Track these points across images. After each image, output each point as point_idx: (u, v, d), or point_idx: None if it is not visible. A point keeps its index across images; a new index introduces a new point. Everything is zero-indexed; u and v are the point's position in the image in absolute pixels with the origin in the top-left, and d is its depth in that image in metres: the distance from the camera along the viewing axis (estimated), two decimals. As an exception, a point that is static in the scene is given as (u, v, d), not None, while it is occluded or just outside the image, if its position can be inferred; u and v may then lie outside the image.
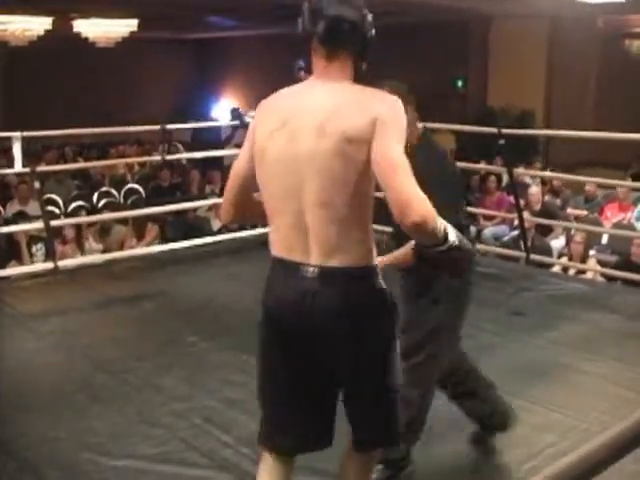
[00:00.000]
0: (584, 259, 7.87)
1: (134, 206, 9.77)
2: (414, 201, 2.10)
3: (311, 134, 2.25)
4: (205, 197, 10.27)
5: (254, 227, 8.68)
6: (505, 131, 6.83)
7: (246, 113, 6.34)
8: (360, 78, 2.39)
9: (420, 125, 3.26)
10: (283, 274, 2.36)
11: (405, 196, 2.11)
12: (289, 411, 2.47)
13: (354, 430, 2.49)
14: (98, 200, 11.07)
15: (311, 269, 2.29)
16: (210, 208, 9.50)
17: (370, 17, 2.39)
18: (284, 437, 2.48)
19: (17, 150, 6.48)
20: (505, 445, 3.77)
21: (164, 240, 8.30)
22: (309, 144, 2.25)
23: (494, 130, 6.90)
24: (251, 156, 2.40)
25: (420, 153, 2.83)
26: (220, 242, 7.53)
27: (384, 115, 2.23)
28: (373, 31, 2.40)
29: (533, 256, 7.00)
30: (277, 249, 2.38)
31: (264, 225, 2.55)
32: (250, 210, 2.54)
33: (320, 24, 2.34)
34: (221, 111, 20.22)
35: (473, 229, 9.84)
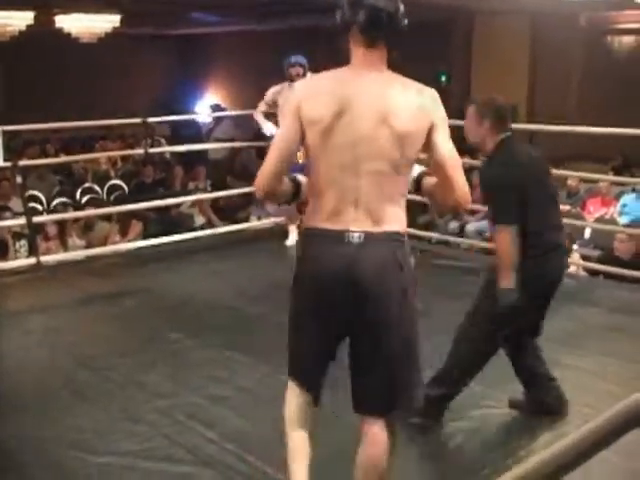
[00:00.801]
0: (568, 253, 7.90)
1: (117, 202, 9.73)
2: (467, 193, 2.64)
3: (373, 120, 2.54)
4: (189, 193, 10.23)
5: (236, 222, 8.70)
6: (488, 126, 6.82)
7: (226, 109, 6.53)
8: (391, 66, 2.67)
9: (502, 135, 3.66)
10: (325, 242, 2.61)
11: (462, 183, 2.61)
12: (315, 357, 2.75)
13: (375, 394, 2.68)
14: (81, 196, 11.02)
15: (357, 234, 2.56)
16: (193, 204, 9.47)
17: (402, 8, 2.65)
18: (314, 376, 2.78)
19: (-2, 145, 6.43)
20: (487, 442, 3.78)
21: (147, 236, 8.27)
22: (371, 129, 2.54)
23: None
24: (297, 130, 2.60)
25: (490, 163, 3.64)
26: (203, 238, 7.51)
27: (438, 118, 2.63)
28: (406, 21, 2.67)
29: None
30: (318, 220, 2.62)
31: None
32: (281, 184, 2.70)
33: (360, 14, 2.57)
34: (204, 107, 20.19)
35: (456, 224, 9.89)
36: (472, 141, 3.77)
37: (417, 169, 2.79)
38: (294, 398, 2.81)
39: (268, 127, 6.84)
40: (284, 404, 2.84)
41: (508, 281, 3.59)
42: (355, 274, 2.54)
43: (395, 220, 2.63)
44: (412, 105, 2.58)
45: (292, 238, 7.11)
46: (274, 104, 6.70)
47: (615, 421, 1.51)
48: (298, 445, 2.80)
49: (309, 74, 6.83)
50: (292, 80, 6.48)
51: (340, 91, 2.58)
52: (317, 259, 2.62)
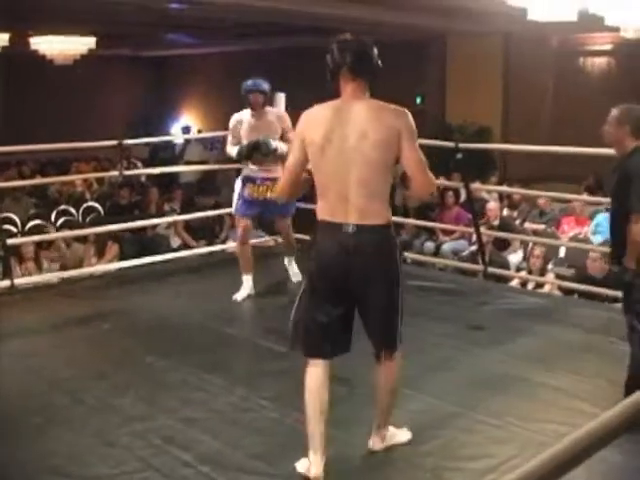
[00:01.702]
0: (542, 273, 7.97)
1: (93, 224, 9.70)
2: (429, 182, 3.52)
3: (356, 137, 3.36)
4: (164, 215, 10.22)
5: (211, 244, 8.69)
6: (462, 145, 6.90)
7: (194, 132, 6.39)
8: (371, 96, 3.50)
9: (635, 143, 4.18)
10: (329, 231, 3.45)
11: (421, 179, 3.48)
12: (331, 325, 3.50)
13: (376, 341, 3.61)
14: (57, 218, 10.98)
15: (350, 227, 3.38)
16: (169, 225, 9.46)
17: (376, 51, 3.53)
18: (325, 344, 3.53)
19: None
20: (463, 458, 3.79)
21: (123, 258, 8.25)
22: (355, 143, 3.36)
23: (451, 145, 6.96)
24: (303, 153, 3.47)
25: (628, 161, 4.14)
26: (179, 260, 7.50)
27: (405, 129, 3.42)
28: (379, 61, 3.54)
29: (491, 270, 7.05)
30: (324, 214, 3.46)
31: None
32: (299, 186, 3.65)
33: (348, 57, 3.43)
34: (180, 129, 20.19)
35: (431, 244, 9.94)
36: (609, 142, 4.31)
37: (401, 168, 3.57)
38: (313, 372, 3.54)
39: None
40: (306, 376, 3.55)
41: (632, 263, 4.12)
42: (350, 255, 3.39)
43: (379, 214, 3.43)
44: (385, 121, 3.40)
45: (244, 291, 6.26)
46: (238, 134, 6.16)
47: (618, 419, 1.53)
48: (317, 411, 3.51)
49: (279, 97, 6.72)
50: (252, 107, 6.10)
51: (332, 118, 3.40)
52: (324, 244, 3.49)
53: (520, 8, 7.02)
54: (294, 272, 6.62)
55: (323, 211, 3.48)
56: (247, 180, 6.24)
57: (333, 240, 3.43)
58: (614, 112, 4.25)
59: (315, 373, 3.54)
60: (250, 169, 6.22)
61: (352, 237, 3.38)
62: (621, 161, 4.24)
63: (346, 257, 3.41)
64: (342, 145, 3.36)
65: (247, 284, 6.25)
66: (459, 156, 6.78)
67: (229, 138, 6.32)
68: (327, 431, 3.53)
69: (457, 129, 12.93)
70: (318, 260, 3.51)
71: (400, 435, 3.89)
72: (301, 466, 3.58)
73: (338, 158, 3.38)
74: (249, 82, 6.12)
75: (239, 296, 6.18)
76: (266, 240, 8.21)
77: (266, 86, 6.14)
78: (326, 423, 3.52)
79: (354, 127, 3.36)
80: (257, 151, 6.04)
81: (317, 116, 3.47)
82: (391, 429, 3.85)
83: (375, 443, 3.79)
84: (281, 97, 7.80)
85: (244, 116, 6.18)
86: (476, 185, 8.57)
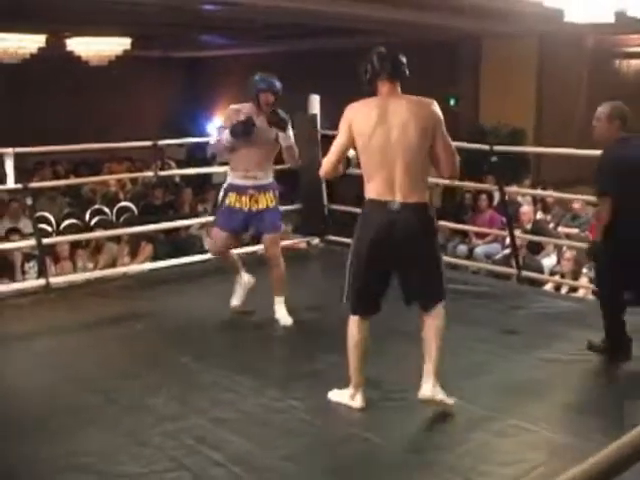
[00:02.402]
0: (576, 277, 7.89)
1: (126, 224, 9.75)
2: (456, 163, 4.14)
3: (400, 127, 3.96)
4: (197, 216, 10.26)
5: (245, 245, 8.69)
6: (497, 148, 6.85)
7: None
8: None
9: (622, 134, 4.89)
10: (377, 208, 4.00)
11: (452, 160, 4.11)
12: (372, 289, 4.14)
13: (425, 297, 4.18)
14: (90, 218, 11.07)
15: (396, 204, 3.96)
16: (202, 226, 9.48)
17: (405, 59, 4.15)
18: (369, 303, 4.18)
19: (9, 167, 6.46)
20: (495, 462, 3.77)
21: (156, 258, 8.28)
22: (399, 133, 3.96)
23: (486, 147, 6.92)
24: (349, 138, 4.07)
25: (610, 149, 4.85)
26: (212, 261, 7.51)
27: (437, 120, 4.05)
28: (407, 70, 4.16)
29: (525, 273, 7.00)
30: (373, 194, 4.01)
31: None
32: (340, 167, 4.23)
33: (387, 66, 4.07)
34: (214, 129, 20.25)
35: (464, 247, 9.89)
36: (599, 136, 4.97)
37: None
38: (356, 327, 4.18)
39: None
40: (348, 332, 4.19)
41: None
42: (396, 229, 3.96)
43: (419, 194, 4.02)
44: (422, 112, 4.03)
45: (240, 290, 5.90)
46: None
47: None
48: (362, 355, 4.22)
49: (314, 99, 6.47)
50: (259, 106, 5.54)
51: (378, 111, 3.99)
52: (372, 219, 4.03)
53: (556, 9, 6.95)
54: (283, 314, 5.64)
55: (371, 192, 4.02)
56: (231, 188, 5.63)
57: (382, 215, 3.99)
58: (604, 109, 4.94)
59: (361, 326, 4.18)
60: (235, 175, 5.60)
61: (398, 213, 3.96)
62: (602, 151, 4.92)
63: (393, 230, 3.97)
64: (388, 135, 3.95)
65: (243, 280, 5.83)
66: (494, 159, 6.74)
67: (218, 132, 5.71)
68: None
69: (491, 131, 12.85)
70: (367, 233, 4.04)
71: (447, 399, 4.20)
72: (338, 397, 4.30)
73: (385, 146, 3.95)
74: (261, 79, 5.61)
75: (235, 299, 5.80)
76: (299, 242, 8.20)
77: (279, 86, 5.62)
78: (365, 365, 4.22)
79: (397, 119, 3.96)
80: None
81: (363, 109, 4.05)
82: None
83: (422, 390, 4.16)
84: (315, 99, 7.82)
85: (244, 110, 5.59)
86: (511, 188, 8.50)
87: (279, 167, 6.19)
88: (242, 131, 5.41)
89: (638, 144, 4.89)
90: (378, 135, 3.96)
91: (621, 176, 4.71)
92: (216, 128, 5.79)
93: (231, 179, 5.65)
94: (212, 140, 5.85)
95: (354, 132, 4.03)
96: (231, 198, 5.59)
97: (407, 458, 3.78)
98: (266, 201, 5.61)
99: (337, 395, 4.33)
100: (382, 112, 3.99)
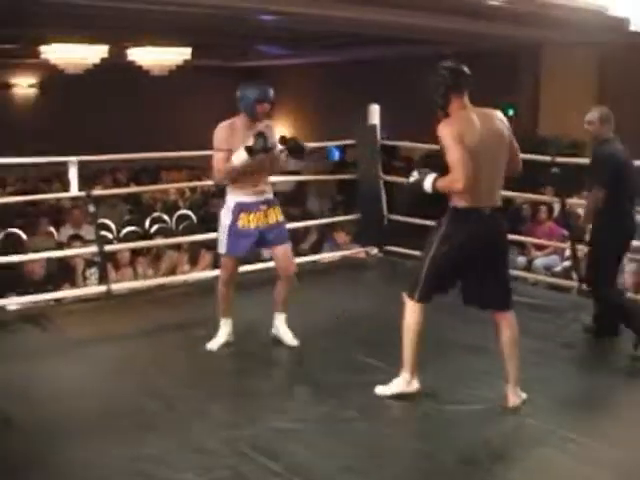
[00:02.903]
0: (638, 290, 7.75)
1: (186, 232, 9.83)
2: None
3: (497, 138, 4.27)
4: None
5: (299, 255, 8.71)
6: (559, 159, 6.77)
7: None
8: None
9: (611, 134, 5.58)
10: (473, 214, 4.25)
11: (520, 161, 4.51)
12: (449, 283, 4.46)
13: (501, 299, 4.44)
14: (150, 225, 11.19)
15: (487, 210, 4.26)
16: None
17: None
18: (438, 294, 4.45)
19: (73, 175, 6.57)
20: (556, 479, 3.73)
21: (215, 266, 8.33)
22: (497, 144, 4.26)
23: (547, 158, 6.85)
24: (465, 151, 4.12)
25: (599, 148, 5.56)
26: (269, 270, 7.52)
27: (509, 129, 4.37)
28: None
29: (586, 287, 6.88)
30: (469, 202, 4.23)
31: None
32: None
33: (462, 79, 4.33)
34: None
35: (523, 259, 9.79)
36: (593, 137, 5.67)
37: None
38: (419, 314, 4.41)
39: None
40: (405, 319, 4.42)
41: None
42: (487, 231, 4.29)
43: (499, 199, 4.38)
44: (503, 124, 4.33)
45: (221, 337, 5.43)
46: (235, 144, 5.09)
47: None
48: (419, 340, 4.41)
49: (374, 109, 6.28)
50: (255, 117, 5.16)
51: (477, 125, 4.20)
52: (467, 224, 4.27)
53: (620, 18, 6.87)
54: (285, 332, 5.48)
55: (468, 199, 4.22)
56: (240, 208, 5.20)
57: (476, 220, 4.26)
58: (596, 114, 5.61)
59: (422, 313, 4.41)
60: (243, 193, 5.19)
61: (488, 218, 4.27)
62: (594, 149, 5.63)
63: (484, 234, 4.29)
64: (489, 146, 4.20)
65: (226, 329, 5.41)
66: (555, 170, 6.66)
67: (219, 154, 5.13)
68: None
69: (551, 142, 12.71)
70: (460, 236, 4.28)
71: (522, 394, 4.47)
72: (392, 390, 4.50)
73: (488, 157, 4.19)
74: (257, 89, 5.17)
75: (214, 344, 5.35)
76: (357, 251, 8.20)
77: (272, 95, 5.24)
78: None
79: (492, 131, 4.25)
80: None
81: (468, 123, 4.20)
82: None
83: (512, 400, 4.41)
84: (375, 109, 7.82)
85: (237, 125, 5.21)
86: (573, 200, 8.39)
87: (339, 177, 6.19)
88: (264, 148, 5.03)
89: (620, 145, 5.59)
90: (483, 147, 4.17)
91: (611, 171, 5.39)
92: (214, 153, 5.16)
93: (238, 197, 5.21)
94: (217, 167, 5.14)
95: (466, 144, 4.12)
96: (242, 220, 5.19)
97: (466, 470, 3.75)
98: (275, 215, 5.31)
99: (388, 389, 4.52)
100: (481, 125, 4.21)
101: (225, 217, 5.25)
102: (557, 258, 9.51)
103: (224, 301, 5.38)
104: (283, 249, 5.39)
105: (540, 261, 9.58)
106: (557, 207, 9.72)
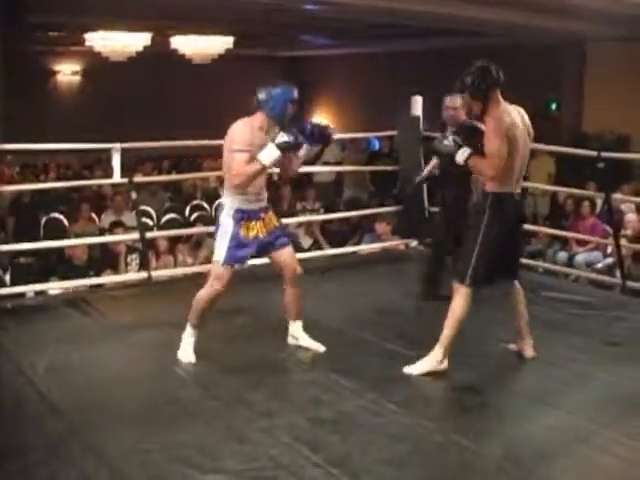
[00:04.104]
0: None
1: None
2: None
3: (525, 132, 4.72)
4: (296, 213, 10.30)
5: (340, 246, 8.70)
6: (605, 154, 6.68)
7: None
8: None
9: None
10: (507, 198, 4.69)
11: None
12: (499, 264, 4.75)
13: (512, 272, 4.97)
14: (190, 213, 11.23)
15: (517, 194, 4.77)
16: (300, 225, 9.51)
17: None
18: (491, 277, 4.76)
19: (116, 161, 6.61)
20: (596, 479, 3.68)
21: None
22: (526, 137, 4.72)
23: (593, 153, 6.77)
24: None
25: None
26: (312, 259, 7.53)
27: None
28: None
29: (630, 284, 6.80)
30: (505, 188, 4.67)
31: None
32: None
33: (500, 75, 4.65)
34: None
35: (564, 255, 9.70)
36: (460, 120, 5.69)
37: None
38: (468, 300, 4.70)
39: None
40: (454, 303, 4.69)
41: None
42: (517, 212, 4.81)
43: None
44: (527, 120, 4.76)
45: (189, 346, 5.03)
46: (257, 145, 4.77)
47: None
48: (461, 327, 4.70)
49: (416, 100, 6.25)
50: (284, 118, 4.91)
51: (514, 118, 4.63)
52: (504, 208, 4.68)
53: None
54: (309, 341, 5.21)
55: (503, 186, 4.66)
56: (241, 216, 4.91)
57: (510, 204, 4.70)
58: (458, 100, 5.63)
59: (470, 299, 4.69)
60: (246, 200, 4.91)
61: (518, 202, 4.81)
62: None
63: (515, 215, 4.78)
64: (524, 137, 4.67)
65: (192, 340, 5.03)
66: (600, 165, 6.58)
67: (243, 156, 4.72)
68: None
69: (595, 137, 12.57)
70: (500, 220, 4.68)
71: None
72: (422, 368, 4.71)
73: (521, 147, 4.63)
74: (290, 90, 5.02)
75: (186, 356, 4.99)
76: (397, 244, 8.17)
77: None
78: None
79: (525, 125, 4.71)
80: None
81: (510, 115, 4.61)
82: None
83: (529, 351, 5.01)
84: (418, 100, 7.78)
85: (255, 126, 4.86)
86: (618, 195, 8.27)
87: (382, 169, 6.18)
88: (295, 143, 4.83)
89: None
90: (520, 139, 4.62)
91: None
92: (235, 155, 4.73)
93: (239, 204, 4.91)
94: (240, 169, 4.73)
95: (509, 138, 4.53)
96: (245, 228, 4.90)
97: (505, 467, 3.71)
98: (272, 220, 5.05)
99: (418, 367, 4.73)
100: (517, 118, 4.66)
101: (227, 224, 4.91)
102: (599, 254, 9.40)
103: (203, 314, 5.00)
104: (288, 251, 5.13)
105: (582, 257, 9.48)
106: (600, 202, 9.62)
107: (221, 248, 4.90)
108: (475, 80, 4.61)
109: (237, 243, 4.89)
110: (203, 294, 4.98)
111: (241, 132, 4.80)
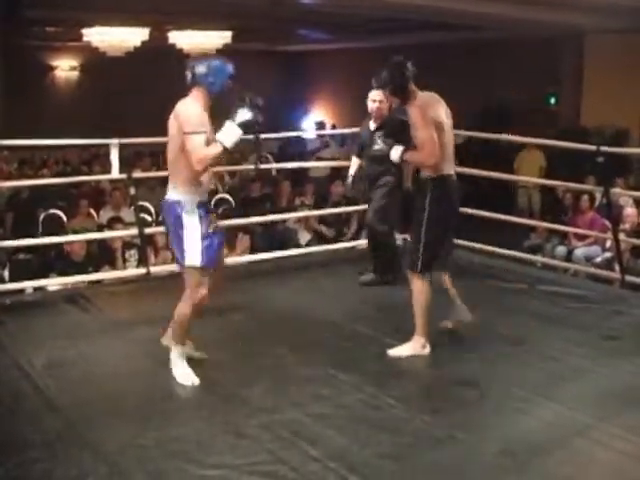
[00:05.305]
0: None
1: (225, 216, 9.83)
2: None
3: (448, 113, 4.89)
4: (295, 209, 10.29)
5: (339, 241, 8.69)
6: (604, 149, 6.67)
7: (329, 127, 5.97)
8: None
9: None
10: (449, 180, 4.90)
11: None
12: (440, 249, 4.97)
13: (450, 249, 5.35)
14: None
15: (454, 175, 4.96)
16: (298, 220, 9.51)
17: None
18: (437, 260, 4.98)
19: (114, 157, 6.59)
20: (594, 473, 3.69)
21: (253, 251, 8.35)
22: (448, 117, 4.89)
23: (592, 148, 6.76)
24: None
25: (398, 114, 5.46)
26: (308, 254, 7.53)
27: None
28: None
29: (629, 278, 6.79)
30: (445, 171, 4.85)
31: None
32: None
33: (413, 69, 4.81)
34: (310, 124, 20.33)
35: (563, 249, 9.69)
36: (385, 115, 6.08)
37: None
38: (427, 285, 4.91)
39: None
40: (414, 291, 4.94)
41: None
42: (456, 194, 4.96)
43: None
44: (442, 101, 4.92)
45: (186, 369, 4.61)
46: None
47: None
48: (429, 307, 4.93)
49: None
50: (223, 95, 4.55)
51: (437, 103, 4.87)
52: (448, 191, 4.88)
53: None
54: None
55: (444, 169, 4.83)
56: (205, 210, 4.50)
57: (452, 187, 4.91)
58: (381, 93, 5.84)
59: (426, 282, 4.90)
60: (203, 190, 4.51)
61: (456, 183, 4.96)
62: None
63: (456, 197, 4.96)
64: (448, 123, 4.85)
65: (183, 359, 4.65)
66: (600, 159, 6.57)
67: (200, 138, 4.32)
68: None
69: (594, 131, 12.56)
70: (446, 202, 4.87)
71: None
72: (407, 351, 4.92)
73: (449, 133, 4.85)
74: (229, 64, 4.63)
75: (187, 378, 4.57)
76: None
77: None
78: None
79: (446, 108, 4.89)
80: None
81: (433, 102, 4.83)
82: None
83: (467, 316, 5.26)
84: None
85: (201, 105, 4.48)
86: (617, 190, 8.26)
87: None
88: (256, 119, 4.46)
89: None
90: (445, 122, 4.81)
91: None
92: (192, 137, 4.30)
93: (200, 197, 4.47)
94: (201, 154, 4.29)
95: (435, 122, 4.72)
96: (208, 223, 4.47)
97: (503, 461, 3.71)
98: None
99: (404, 350, 4.95)
100: (436, 104, 4.83)
101: (193, 222, 4.40)
102: (598, 249, 9.39)
103: (187, 326, 4.62)
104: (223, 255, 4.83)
105: (581, 251, 9.47)
106: (599, 196, 9.61)
107: (194, 251, 4.39)
108: (393, 76, 4.79)
109: (208, 242, 4.42)
110: (185, 310, 4.52)
111: (194, 112, 4.35)
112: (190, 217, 4.38)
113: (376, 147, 5.03)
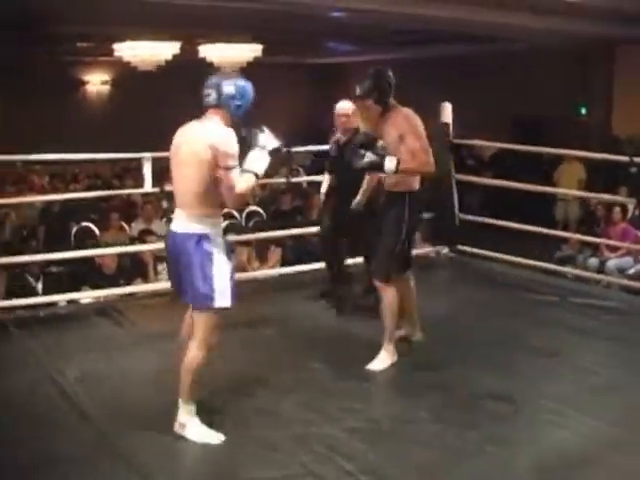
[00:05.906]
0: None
1: (256, 229, 9.85)
2: None
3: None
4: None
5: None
6: (637, 160, 6.60)
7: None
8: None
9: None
10: (418, 194, 4.98)
11: None
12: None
13: (409, 259, 5.22)
14: (220, 221, 11.21)
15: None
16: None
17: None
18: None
19: (147, 170, 6.62)
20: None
21: (284, 264, 8.34)
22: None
23: (625, 158, 6.69)
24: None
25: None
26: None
27: None
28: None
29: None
30: (415, 184, 4.95)
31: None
32: None
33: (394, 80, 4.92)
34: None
35: (595, 261, 9.62)
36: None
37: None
38: (395, 292, 4.95)
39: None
40: (384, 301, 4.96)
41: None
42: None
43: None
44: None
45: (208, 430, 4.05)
46: None
47: None
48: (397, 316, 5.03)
49: (446, 107, 6.42)
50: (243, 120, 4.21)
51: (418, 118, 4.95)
52: (416, 204, 4.98)
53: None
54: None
55: (414, 184, 4.94)
56: (225, 240, 4.07)
57: (418, 200, 5.03)
58: (351, 105, 6.09)
59: (394, 289, 4.95)
60: (219, 222, 4.10)
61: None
62: None
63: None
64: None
65: (197, 418, 4.08)
66: (634, 170, 6.51)
67: (237, 170, 3.89)
68: None
69: (627, 141, 12.45)
70: (414, 214, 4.96)
71: None
72: (383, 364, 4.92)
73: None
74: (250, 88, 4.45)
75: (210, 437, 4.02)
76: (428, 251, 8.11)
77: None
78: None
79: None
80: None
81: (414, 114, 4.90)
82: None
83: (418, 335, 5.35)
84: (447, 107, 7.74)
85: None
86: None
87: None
88: (280, 148, 4.18)
89: None
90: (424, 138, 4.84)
91: None
92: (233, 172, 3.88)
93: (218, 227, 4.05)
94: (242, 189, 3.90)
95: (420, 135, 4.82)
96: (233, 259, 4.24)
97: (536, 476, 3.69)
98: None
99: (383, 362, 4.97)
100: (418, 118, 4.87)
101: (221, 257, 3.95)
102: (631, 260, 9.32)
103: (199, 377, 4.08)
104: None
105: (613, 263, 9.40)
106: (631, 208, 9.53)
107: (225, 290, 3.94)
108: (378, 84, 4.86)
109: (233, 276, 4.03)
110: (199, 359, 4.04)
111: (233, 142, 3.93)
112: (218, 251, 3.93)
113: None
